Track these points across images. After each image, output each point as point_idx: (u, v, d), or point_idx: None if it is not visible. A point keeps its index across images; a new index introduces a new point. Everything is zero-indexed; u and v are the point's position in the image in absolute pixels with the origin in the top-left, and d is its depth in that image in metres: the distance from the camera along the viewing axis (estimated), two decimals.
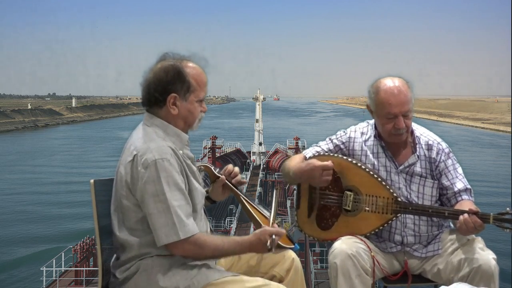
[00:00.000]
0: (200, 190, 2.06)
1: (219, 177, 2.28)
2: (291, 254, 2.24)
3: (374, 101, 2.44)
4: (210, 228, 2.20)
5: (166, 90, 1.99)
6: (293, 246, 2.25)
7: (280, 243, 2.20)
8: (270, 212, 2.13)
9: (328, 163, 2.42)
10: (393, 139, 2.46)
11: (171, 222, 1.89)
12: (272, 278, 2.15)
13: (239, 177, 2.32)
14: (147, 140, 1.96)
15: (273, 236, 1.95)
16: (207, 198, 2.28)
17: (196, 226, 1.95)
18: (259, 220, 2.19)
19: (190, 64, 2.04)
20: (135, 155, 1.93)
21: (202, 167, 2.24)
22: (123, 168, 1.95)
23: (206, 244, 1.94)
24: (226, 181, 2.28)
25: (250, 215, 2.24)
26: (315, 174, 2.41)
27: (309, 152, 2.62)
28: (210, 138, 49.49)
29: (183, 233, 1.89)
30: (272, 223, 2.05)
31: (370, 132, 2.56)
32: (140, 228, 1.95)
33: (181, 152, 2.01)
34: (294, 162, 2.52)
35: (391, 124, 2.40)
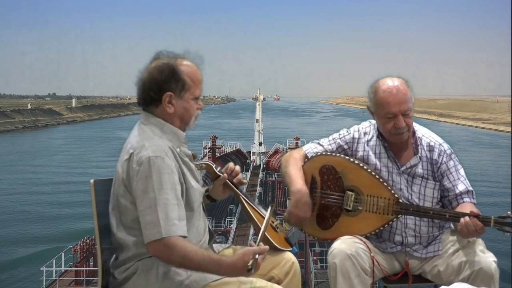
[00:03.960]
0: (197, 188, 2.05)
1: (220, 175, 2.26)
2: (291, 257, 2.23)
3: (373, 102, 2.44)
4: (209, 228, 2.19)
5: (161, 89, 1.98)
6: (290, 249, 2.25)
7: (278, 246, 2.20)
8: (261, 226, 2.10)
9: (309, 215, 2.46)
10: (395, 139, 2.45)
11: (156, 219, 1.85)
12: (270, 279, 2.14)
13: (240, 176, 2.30)
14: (143, 138, 1.95)
15: (256, 256, 1.85)
16: (207, 196, 2.26)
17: (185, 230, 1.90)
18: (257, 221, 2.19)
19: (185, 62, 2.03)
20: (131, 153, 1.92)
21: (203, 165, 2.23)
22: (120, 166, 1.95)
23: (181, 251, 1.84)
24: (227, 180, 2.26)
25: (249, 215, 2.23)
26: (300, 211, 2.42)
27: (310, 150, 2.61)
28: (210, 138, 49.59)
29: (165, 231, 1.85)
30: (259, 242, 1.99)
31: (373, 132, 2.56)
32: (137, 227, 1.93)
33: (178, 150, 2.00)
34: (295, 171, 2.50)
35: (391, 123, 2.39)
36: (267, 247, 1.94)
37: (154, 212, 1.86)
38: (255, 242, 2.00)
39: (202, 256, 1.86)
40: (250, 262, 1.83)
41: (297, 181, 2.46)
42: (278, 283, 2.14)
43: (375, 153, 2.51)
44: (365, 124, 2.61)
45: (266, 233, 2.13)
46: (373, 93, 2.43)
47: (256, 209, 2.28)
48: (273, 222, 2.31)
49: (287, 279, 2.18)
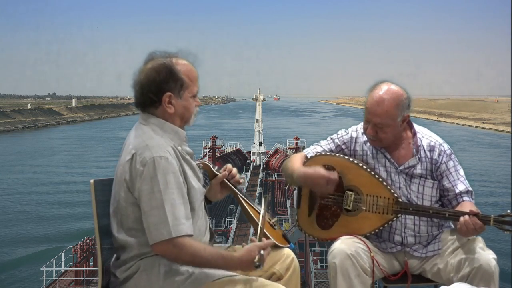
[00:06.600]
0: (198, 187, 2.05)
1: (218, 174, 2.26)
2: (291, 253, 2.23)
3: (366, 99, 2.47)
4: (210, 227, 2.19)
5: (160, 90, 1.98)
6: (288, 246, 2.25)
7: (276, 242, 2.21)
8: (258, 224, 2.09)
9: (334, 176, 2.42)
10: (368, 140, 2.50)
11: (164, 219, 1.85)
12: (271, 275, 2.15)
13: (237, 176, 2.30)
14: (145, 138, 1.95)
15: (261, 252, 1.87)
16: (204, 197, 2.26)
17: (192, 229, 1.91)
18: (256, 220, 2.19)
19: (180, 61, 2.03)
20: (133, 153, 1.91)
21: (201, 164, 2.23)
22: (121, 167, 1.94)
23: (190, 250, 1.86)
24: (225, 179, 2.26)
25: (248, 215, 2.24)
26: (320, 183, 2.41)
27: (310, 151, 2.62)
28: (210, 138, 49.57)
29: (174, 231, 1.85)
30: (260, 238, 1.99)
31: None
32: (139, 228, 1.93)
33: (179, 148, 2.00)
34: (297, 163, 2.51)
35: (366, 126, 2.46)
36: (270, 241, 1.96)
37: (161, 212, 1.86)
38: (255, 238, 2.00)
39: (210, 253, 1.89)
40: (257, 258, 1.85)
41: (297, 171, 2.45)
42: (279, 278, 2.16)
43: (373, 153, 2.52)
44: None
45: (264, 230, 2.13)
46: (368, 91, 2.46)
47: (255, 208, 2.28)
48: (270, 220, 2.31)
49: (287, 275, 2.19)
